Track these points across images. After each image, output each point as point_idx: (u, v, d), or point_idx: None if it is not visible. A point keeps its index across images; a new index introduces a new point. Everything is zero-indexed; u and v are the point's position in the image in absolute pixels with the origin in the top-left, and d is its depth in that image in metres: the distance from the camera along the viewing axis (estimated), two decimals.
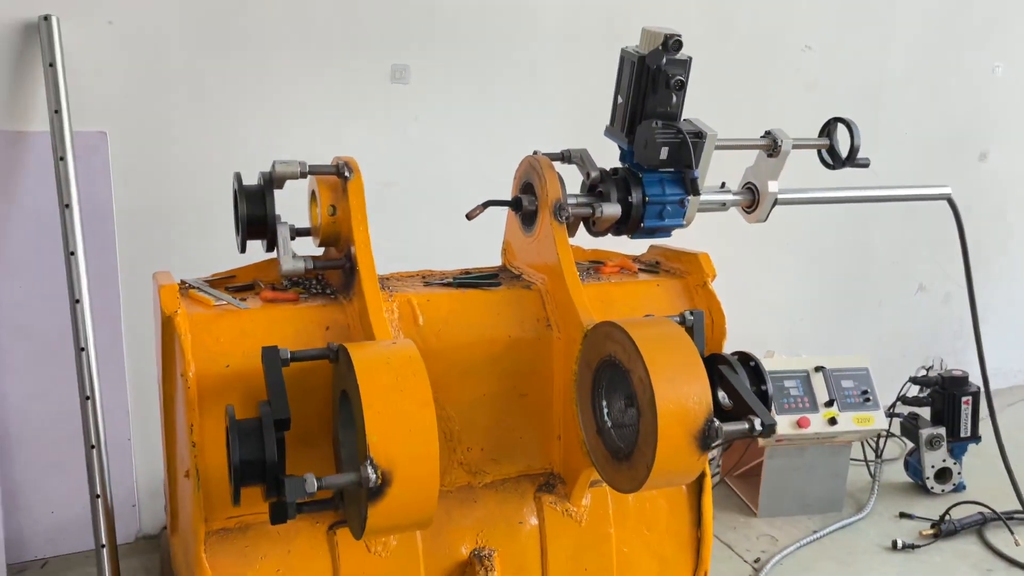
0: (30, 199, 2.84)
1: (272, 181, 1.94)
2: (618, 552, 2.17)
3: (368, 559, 1.93)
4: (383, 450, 1.50)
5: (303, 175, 1.96)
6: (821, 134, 2.50)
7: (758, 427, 1.80)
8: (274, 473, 1.53)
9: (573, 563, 2.12)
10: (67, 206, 2.72)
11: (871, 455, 3.89)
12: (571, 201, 2.22)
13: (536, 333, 2.08)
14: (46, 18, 2.74)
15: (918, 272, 4.69)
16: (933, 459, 3.72)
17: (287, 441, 1.61)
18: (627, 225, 2.27)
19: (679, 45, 2.18)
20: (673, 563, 2.24)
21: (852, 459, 3.83)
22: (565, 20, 3.52)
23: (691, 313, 2.00)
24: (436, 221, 3.34)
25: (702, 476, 2.24)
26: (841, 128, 2.49)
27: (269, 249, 1.98)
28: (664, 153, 2.20)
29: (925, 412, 3.84)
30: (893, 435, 3.96)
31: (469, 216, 2.21)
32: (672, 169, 2.24)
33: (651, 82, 2.20)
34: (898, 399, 3.85)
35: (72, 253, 2.71)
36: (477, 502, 2.07)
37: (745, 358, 1.99)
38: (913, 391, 3.88)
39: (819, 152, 2.51)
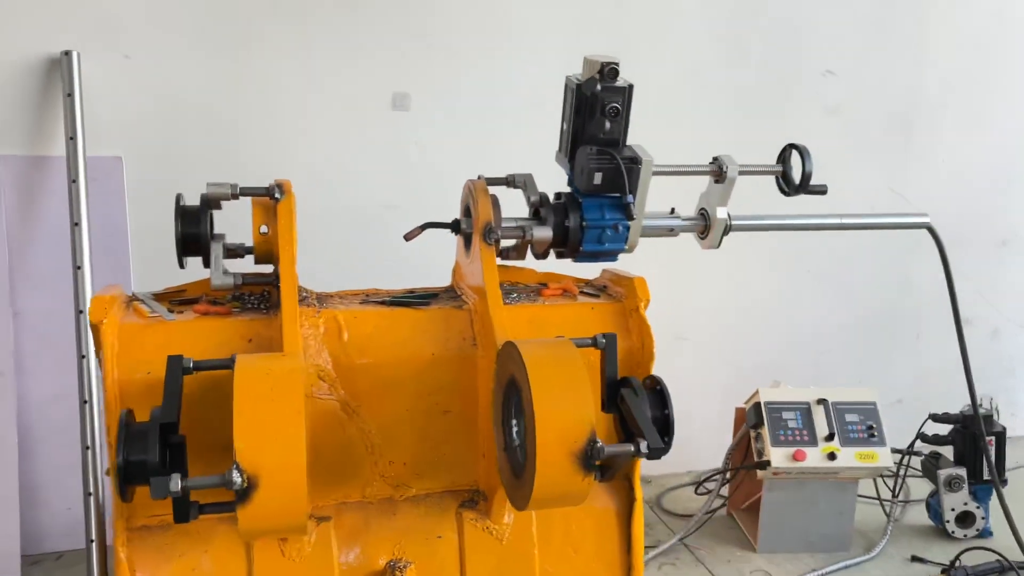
0: (52, 218, 3.10)
1: (207, 202, 2.07)
2: (542, 572, 2.19)
3: (282, 563, 2.02)
4: (249, 456, 1.60)
5: (235, 196, 2.09)
6: (778, 160, 2.46)
7: (643, 449, 1.80)
8: (154, 474, 1.64)
9: None
10: (76, 224, 2.96)
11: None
12: (510, 224, 2.28)
13: (460, 352, 2.14)
14: (67, 53, 3.00)
15: (961, 305, 4.48)
16: (953, 502, 3.55)
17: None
18: (567, 248, 2.31)
19: (615, 73, 2.21)
20: None
21: (866, 497, 3.70)
22: (566, 49, 3.55)
23: (603, 336, 2.01)
24: (435, 242, 3.43)
25: (632, 501, 2.24)
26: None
27: (206, 265, 2.12)
28: (598, 178, 2.23)
29: (950, 452, 3.67)
30: (914, 472, 3.79)
31: (407, 237, 2.29)
32: (611, 194, 2.26)
33: (589, 109, 2.24)
34: (917, 437, 3.69)
35: (79, 267, 2.95)
36: (397, 514, 2.13)
37: (654, 382, 1.99)
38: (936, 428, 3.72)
39: (776, 179, 2.47)
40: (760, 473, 3.35)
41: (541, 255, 2.34)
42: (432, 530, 2.13)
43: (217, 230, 2.13)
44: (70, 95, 2.99)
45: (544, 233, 2.24)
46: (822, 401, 3.38)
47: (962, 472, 3.53)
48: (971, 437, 3.53)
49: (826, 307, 4.20)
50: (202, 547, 1.99)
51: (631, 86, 2.26)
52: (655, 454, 1.81)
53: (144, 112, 3.17)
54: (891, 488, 3.70)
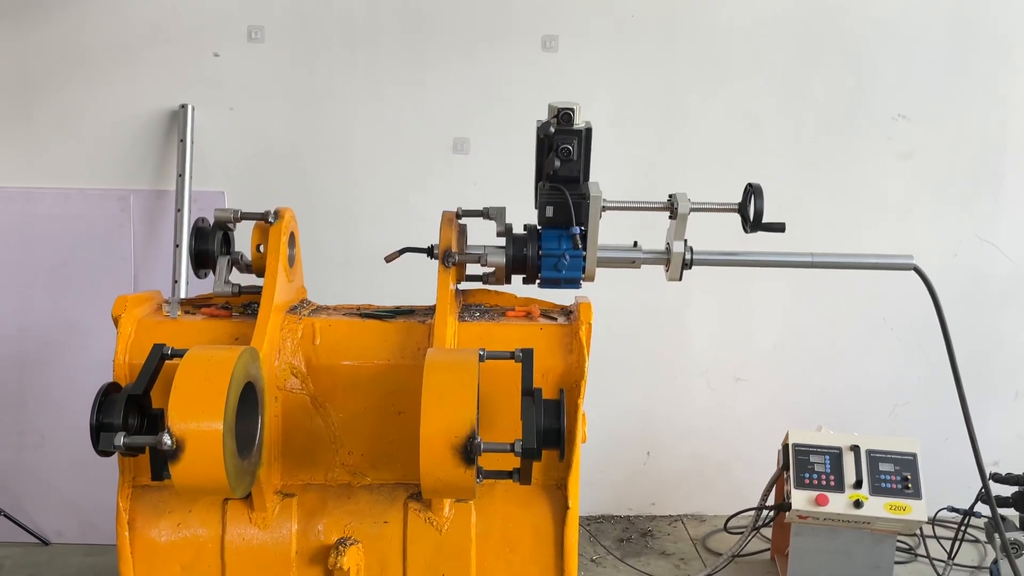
0: (167, 241, 3.74)
1: (217, 224, 2.53)
2: (479, 565, 2.39)
3: (249, 528, 2.38)
4: (178, 422, 1.97)
5: (236, 220, 2.53)
6: (743, 199, 2.56)
7: (517, 449, 2.00)
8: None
9: (431, 567, 2.38)
10: (178, 246, 3.57)
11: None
12: (476, 252, 2.56)
13: (414, 360, 2.42)
14: (183, 106, 3.65)
15: None
16: (1010, 570, 3.31)
17: None
18: (528, 275, 2.55)
19: (568, 117, 2.45)
20: None
21: (919, 556, 3.55)
22: (618, 94, 3.80)
23: (521, 351, 2.23)
24: None
25: (566, 509, 2.40)
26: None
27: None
28: (550, 211, 2.47)
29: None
30: (972, 535, 3.57)
31: (387, 259, 2.63)
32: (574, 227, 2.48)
33: (548, 149, 2.48)
34: (978, 499, 3.48)
35: (176, 281, 3.54)
36: (352, 499, 2.43)
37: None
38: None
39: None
40: (787, 516, 3.34)
41: (505, 280, 2.59)
42: (380, 515, 2.41)
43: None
44: (183, 140, 3.62)
45: (499, 259, 2.50)
46: (854, 447, 3.31)
47: (1023, 537, 3.30)
48: None
49: (903, 356, 4.05)
50: (187, 507, 2.40)
51: (588, 129, 2.48)
52: (527, 454, 2.01)
53: (244, 154, 3.76)
54: (947, 549, 3.51)
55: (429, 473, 2.02)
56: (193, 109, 3.66)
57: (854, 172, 3.87)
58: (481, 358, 2.17)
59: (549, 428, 2.11)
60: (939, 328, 4.00)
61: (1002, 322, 4.04)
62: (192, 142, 3.65)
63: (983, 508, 3.47)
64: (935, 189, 3.92)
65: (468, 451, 1.99)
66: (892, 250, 3.64)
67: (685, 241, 2.54)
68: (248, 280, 2.61)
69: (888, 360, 4.05)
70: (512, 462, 2.13)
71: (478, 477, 2.02)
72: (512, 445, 2.01)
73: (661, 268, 2.65)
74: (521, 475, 2.16)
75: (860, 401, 4.05)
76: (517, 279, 2.62)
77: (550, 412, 2.12)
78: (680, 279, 2.58)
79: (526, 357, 2.22)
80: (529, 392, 2.16)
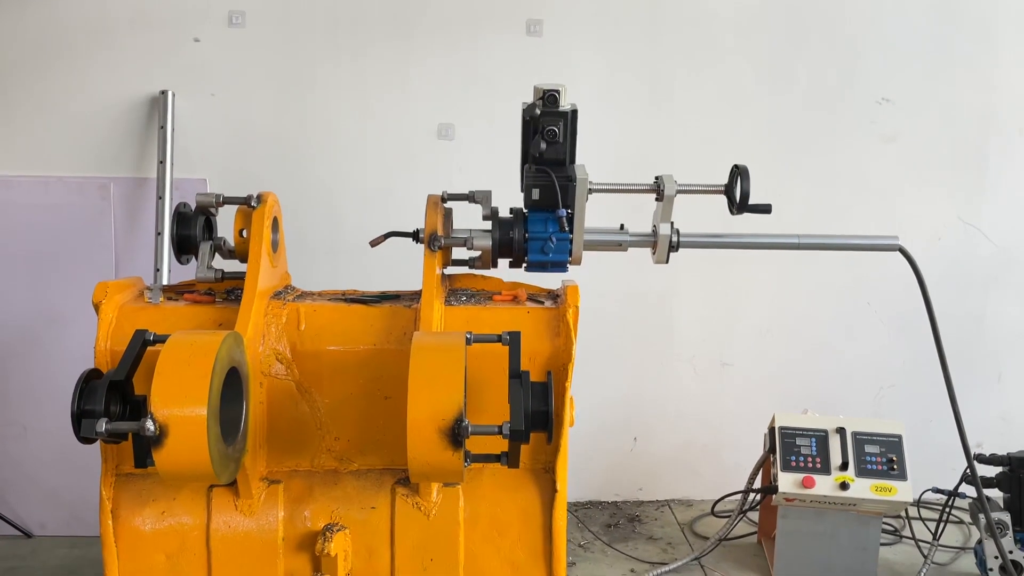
0: (150, 229, 3.69)
1: (199, 209, 2.49)
2: (467, 550, 2.39)
3: (234, 515, 2.36)
4: (161, 407, 1.95)
5: (219, 204, 2.50)
6: (729, 180, 2.55)
7: (505, 431, 1.99)
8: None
9: (420, 551, 2.37)
10: (159, 234, 3.53)
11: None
12: (462, 235, 2.54)
13: (400, 345, 2.40)
14: (163, 92, 3.60)
15: None
16: (995, 549, 3.34)
17: None
18: (515, 259, 2.54)
19: (553, 99, 2.43)
20: (525, 570, 2.41)
21: (905, 537, 3.57)
22: (603, 79, 3.78)
23: (508, 334, 2.22)
24: None
25: (554, 492, 2.40)
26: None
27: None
28: (536, 194, 2.46)
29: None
30: (956, 516, 3.60)
31: (372, 243, 2.61)
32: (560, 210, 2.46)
33: (533, 132, 2.46)
34: (962, 479, 3.50)
35: (158, 269, 3.50)
36: (338, 484, 2.42)
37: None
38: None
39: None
40: (774, 499, 3.34)
41: (492, 264, 2.58)
42: (368, 501, 2.40)
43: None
44: (163, 127, 3.58)
45: (483, 242, 2.48)
46: (840, 430, 3.33)
47: (1006, 518, 3.33)
48: (1017, 480, 3.32)
49: (888, 339, 4.07)
50: (172, 495, 2.37)
51: (575, 111, 2.46)
52: (515, 436, 2.00)
53: (226, 141, 3.72)
54: (933, 530, 3.53)
55: (416, 457, 2.01)
56: (174, 95, 3.62)
57: (838, 155, 3.88)
58: (468, 341, 2.15)
59: (537, 410, 2.09)
60: (923, 311, 4.05)
61: (985, 305, 4.07)
62: (173, 129, 3.61)
63: (967, 489, 3.50)
64: (919, 172, 3.93)
65: (456, 434, 1.97)
66: (877, 232, 3.68)
67: (672, 223, 2.53)
68: (232, 266, 2.59)
69: (873, 344, 4.07)
70: (500, 445, 2.12)
71: (466, 460, 2.01)
72: (500, 428, 2.01)
73: (648, 251, 2.65)
74: (509, 458, 2.15)
75: (846, 384, 4.07)
76: (503, 263, 2.60)
77: (538, 394, 2.11)
78: (667, 262, 2.57)
79: (513, 340, 2.21)
80: (517, 375, 2.15)
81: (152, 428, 1.94)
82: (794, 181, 3.83)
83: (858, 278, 3.97)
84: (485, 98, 3.74)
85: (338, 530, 2.35)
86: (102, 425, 1.97)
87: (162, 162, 3.57)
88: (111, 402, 2.09)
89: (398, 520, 2.38)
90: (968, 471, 3.44)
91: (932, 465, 3.69)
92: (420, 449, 2.00)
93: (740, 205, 2.45)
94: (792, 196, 3.82)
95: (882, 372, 4.09)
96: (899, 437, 3.32)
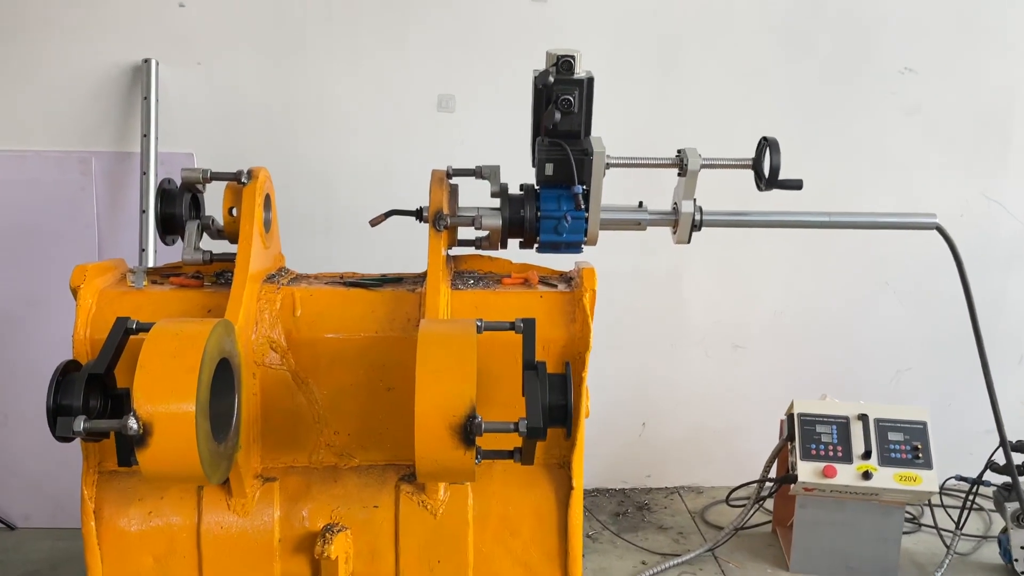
0: (134, 206, 3.50)
1: (185, 185, 2.31)
2: (477, 551, 2.23)
3: (227, 515, 2.20)
4: (145, 404, 1.78)
5: (206, 180, 2.31)
6: (756, 154, 2.38)
7: (522, 429, 1.83)
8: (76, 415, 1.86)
9: (426, 553, 2.22)
10: (144, 212, 3.34)
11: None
12: (469, 213, 2.36)
13: (404, 332, 2.23)
14: (146, 61, 3.39)
15: None
16: (1021, 538, 3.21)
17: None
18: (525, 239, 2.37)
19: (569, 66, 2.24)
20: (539, 572, 2.26)
21: (924, 525, 3.44)
22: (614, 47, 3.59)
23: (522, 321, 2.05)
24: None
25: (569, 489, 2.24)
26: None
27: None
28: (549, 169, 2.28)
29: None
30: (977, 504, 3.47)
31: (372, 223, 2.43)
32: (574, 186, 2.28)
33: (546, 102, 2.28)
34: (987, 466, 3.36)
35: (143, 249, 3.31)
36: (339, 481, 2.26)
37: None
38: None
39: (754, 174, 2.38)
40: (792, 488, 3.20)
41: (501, 244, 2.40)
42: (370, 499, 2.24)
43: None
44: (146, 98, 3.37)
45: (492, 221, 2.31)
46: (862, 416, 3.18)
47: None
48: None
49: (907, 321, 3.92)
50: (159, 494, 2.21)
51: (590, 79, 2.28)
52: (532, 434, 1.84)
53: (214, 113, 3.51)
54: (955, 519, 3.40)
55: (425, 456, 1.85)
56: (157, 64, 3.41)
57: (858, 128, 3.70)
58: (479, 329, 1.99)
59: (555, 404, 1.94)
60: (944, 291, 3.89)
61: (1008, 284, 3.91)
62: (157, 100, 3.40)
63: (992, 477, 3.37)
64: (941, 146, 3.76)
65: (468, 431, 1.81)
66: (895, 209, 3.51)
67: (694, 200, 2.36)
68: (221, 247, 2.41)
69: (890, 325, 3.91)
70: (512, 440, 1.96)
71: (476, 458, 1.85)
72: (516, 424, 1.84)
73: (662, 230, 2.48)
74: (523, 455, 1.99)
75: (862, 367, 3.92)
76: (512, 244, 2.43)
77: (556, 387, 1.95)
78: (688, 241, 2.40)
79: (527, 328, 2.04)
80: (532, 366, 1.98)
81: (135, 427, 1.77)
82: (810, 155, 3.65)
83: (877, 257, 3.81)
84: (489, 67, 3.55)
85: (338, 531, 2.20)
86: (80, 424, 1.80)
87: (146, 135, 3.37)
88: (90, 396, 1.93)
89: (402, 520, 2.23)
90: (998, 459, 3.33)
91: (950, 450, 3.55)
92: (429, 448, 1.84)
93: (769, 180, 2.28)
94: (808, 171, 3.61)
95: (900, 354, 3.94)
96: (924, 424, 3.17)
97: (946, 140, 3.75)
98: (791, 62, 3.63)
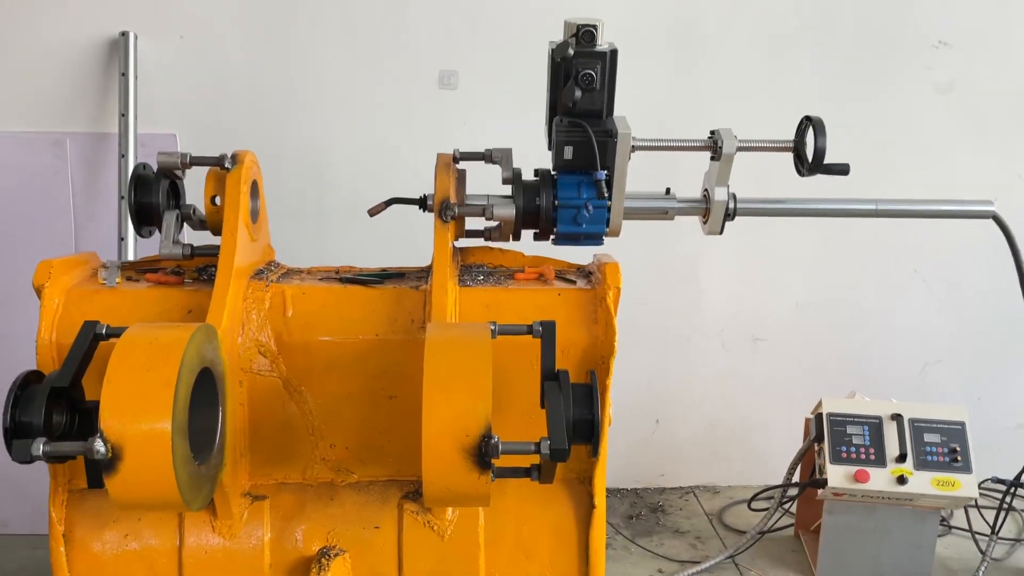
0: (112, 191, 3.26)
1: (162, 172, 2.07)
2: (488, 574, 2.03)
3: (212, 538, 1.98)
4: (114, 424, 1.55)
5: (185, 166, 2.07)
6: (796, 135, 2.14)
7: (544, 450, 1.61)
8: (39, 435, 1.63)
9: None
10: (123, 198, 3.09)
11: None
12: (478, 202, 2.13)
13: (407, 335, 2.01)
14: (123, 34, 3.14)
15: None
16: None
17: None
18: (541, 230, 2.14)
19: (591, 36, 2.01)
20: None
21: (956, 528, 3.24)
22: (625, 25, 3.33)
23: (540, 324, 1.83)
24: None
25: (591, 508, 2.03)
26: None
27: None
28: (568, 152, 2.05)
29: None
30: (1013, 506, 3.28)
31: (371, 213, 2.20)
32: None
33: (565, 77, 2.05)
34: None
35: (122, 239, 3.07)
36: (335, 500, 2.04)
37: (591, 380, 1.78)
38: None
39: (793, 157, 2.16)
40: (820, 493, 3.00)
41: (514, 236, 2.17)
42: (370, 519, 2.02)
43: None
44: (124, 74, 3.13)
45: (505, 211, 2.08)
46: (896, 416, 2.97)
47: None
48: None
49: (935, 312, 3.70)
50: (136, 515, 1.99)
51: (614, 51, 2.05)
52: (556, 456, 1.62)
53: (197, 91, 3.27)
54: (990, 522, 3.20)
55: (434, 481, 1.63)
56: (136, 37, 3.16)
57: (888, 105, 3.47)
58: (493, 334, 1.76)
59: (580, 419, 1.71)
60: (974, 280, 3.69)
61: None
62: (136, 76, 3.15)
63: None
64: (975, 125, 3.53)
65: (483, 453, 1.59)
66: (925, 192, 3.28)
67: (728, 187, 2.13)
68: (203, 239, 2.17)
69: (919, 316, 3.70)
70: (529, 456, 1.74)
71: (535, 478, 1.64)
72: (538, 445, 1.62)
73: (690, 220, 2.26)
74: (542, 474, 1.77)
75: (888, 360, 3.72)
76: (526, 235, 2.20)
77: (580, 400, 1.73)
78: (721, 232, 2.18)
79: (547, 331, 1.82)
80: (553, 376, 1.76)
81: (103, 450, 1.54)
82: (837, 133, 3.40)
83: (905, 244, 3.60)
84: (494, 41, 3.31)
85: (336, 554, 1.99)
86: (39, 447, 1.58)
87: (124, 115, 3.12)
88: (54, 412, 1.70)
89: (407, 542, 2.01)
90: None
91: (980, 448, 3.35)
92: (438, 471, 1.61)
93: (814, 164, 2.05)
94: (835, 150, 3.40)
95: (928, 347, 3.74)
96: (962, 424, 2.97)
97: (981, 118, 3.52)
98: (816, 37, 3.40)
